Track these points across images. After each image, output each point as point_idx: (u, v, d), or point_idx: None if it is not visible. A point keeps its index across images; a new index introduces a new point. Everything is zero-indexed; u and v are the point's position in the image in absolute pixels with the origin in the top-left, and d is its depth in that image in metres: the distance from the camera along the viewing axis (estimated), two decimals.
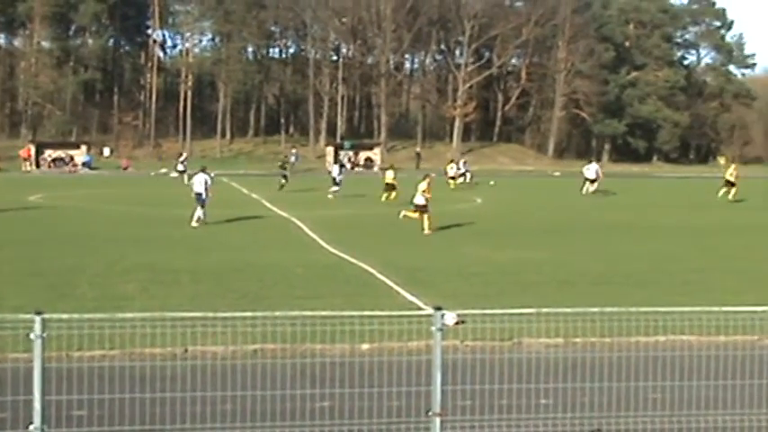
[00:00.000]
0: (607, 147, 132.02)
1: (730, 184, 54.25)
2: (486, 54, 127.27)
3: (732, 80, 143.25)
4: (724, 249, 28.60)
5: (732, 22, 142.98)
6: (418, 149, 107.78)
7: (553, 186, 70.43)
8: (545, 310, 15.26)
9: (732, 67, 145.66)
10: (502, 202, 49.66)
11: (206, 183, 35.93)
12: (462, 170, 68.85)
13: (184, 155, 75.25)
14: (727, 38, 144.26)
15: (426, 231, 32.91)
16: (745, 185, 55.44)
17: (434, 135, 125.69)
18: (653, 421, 10.34)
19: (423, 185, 34.27)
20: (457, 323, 15.06)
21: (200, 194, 35.70)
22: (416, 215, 34.14)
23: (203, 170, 37.08)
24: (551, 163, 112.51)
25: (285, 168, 61.62)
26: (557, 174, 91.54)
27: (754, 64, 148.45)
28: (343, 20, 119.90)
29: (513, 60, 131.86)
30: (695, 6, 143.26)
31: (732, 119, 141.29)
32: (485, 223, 37.50)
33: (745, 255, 27.22)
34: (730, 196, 53.05)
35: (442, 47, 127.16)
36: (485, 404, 10.52)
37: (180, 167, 68.88)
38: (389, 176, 50.24)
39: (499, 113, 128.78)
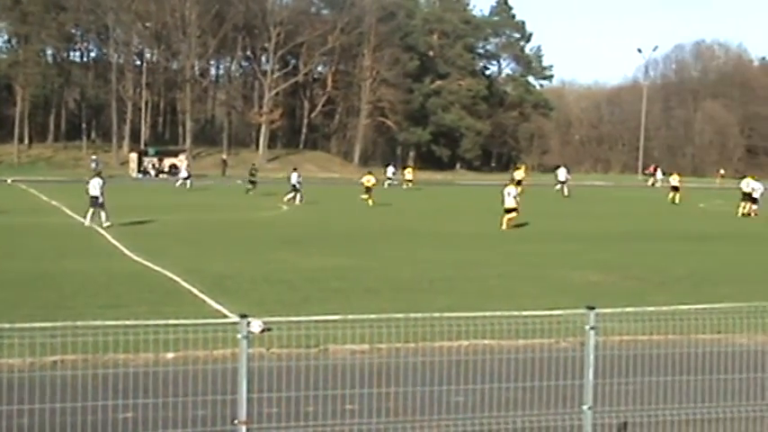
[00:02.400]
0: (412, 154, 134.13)
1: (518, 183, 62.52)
2: (293, 61, 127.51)
3: (531, 91, 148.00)
4: (523, 256, 29.39)
5: (531, 35, 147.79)
6: (224, 156, 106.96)
7: (358, 194, 70.97)
8: (351, 316, 15.37)
9: (531, 78, 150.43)
10: (307, 210, 49.73)
11: (101, 186, 37.09)
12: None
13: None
14: (527, 50, 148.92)
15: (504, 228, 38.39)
16: (537, 194, 56.97)
17: (240, 142, 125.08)
18: (456, 424, 10.53)
19: (515, 191, 39.84)
20: (263, 331, 15.03)
21: (96, 197, 36.94)
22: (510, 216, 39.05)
23: (98, 174, 38.80)
24: (357, 170, 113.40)
25: (254, 176, 66.25)
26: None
27: (552, 75, 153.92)
28: (147, 24, 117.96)
29: (320, 68, 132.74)
30: (496, 18, 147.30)
31: (531, 128, 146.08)
32: (290, 230, 37.52)
33: (542, 261, 28.05)
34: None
35: (248, 53, 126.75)
36: (291, 411, 10.52)
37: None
38: (371, 181, 57.42)
39: (305, 121, 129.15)
